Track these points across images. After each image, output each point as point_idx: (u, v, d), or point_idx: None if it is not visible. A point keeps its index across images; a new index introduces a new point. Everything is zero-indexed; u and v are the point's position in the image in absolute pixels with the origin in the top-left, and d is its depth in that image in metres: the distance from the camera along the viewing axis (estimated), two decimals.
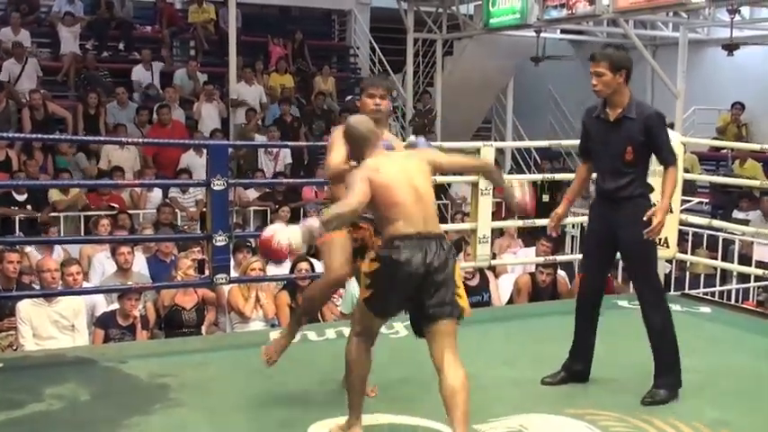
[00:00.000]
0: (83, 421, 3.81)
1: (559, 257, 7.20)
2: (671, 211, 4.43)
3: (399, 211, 3.36)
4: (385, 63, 14.18)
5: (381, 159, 3.48)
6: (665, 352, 4.18)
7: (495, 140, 13.37)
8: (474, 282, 6.87)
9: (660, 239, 6.20)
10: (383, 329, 5.29)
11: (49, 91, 11.43)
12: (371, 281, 3.42)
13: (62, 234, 8.43)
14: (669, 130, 6.21)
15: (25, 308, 5.69)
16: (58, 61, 12.28)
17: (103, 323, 5.97)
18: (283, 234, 3.27)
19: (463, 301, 3.41)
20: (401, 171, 3.42)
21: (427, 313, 3.36)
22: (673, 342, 4.18)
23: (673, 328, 4.20)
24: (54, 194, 9.13)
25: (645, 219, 4.02)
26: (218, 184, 5.21)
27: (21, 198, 9.03)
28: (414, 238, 3.33)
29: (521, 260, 7.88)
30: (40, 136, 9.71)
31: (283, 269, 6.96)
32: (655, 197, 4.17)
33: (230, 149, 10.38)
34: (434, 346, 3.37)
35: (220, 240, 5.19)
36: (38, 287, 6.18)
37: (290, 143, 11.02)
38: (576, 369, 4.39)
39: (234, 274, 6.19)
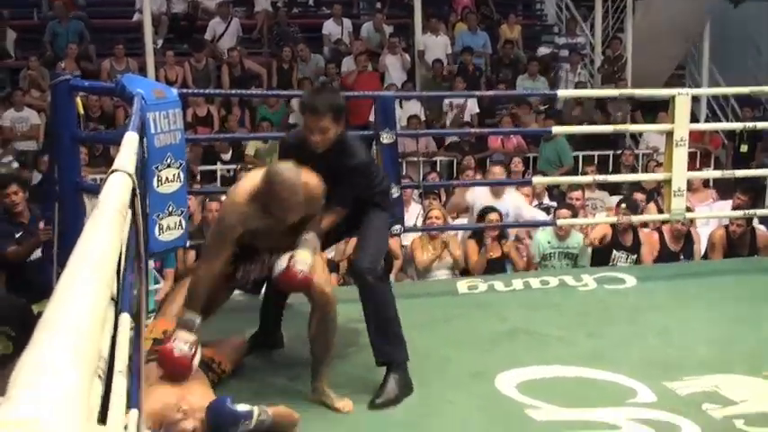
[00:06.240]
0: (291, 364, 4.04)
1: (759, 211, 6.79)
2: None
3: None
4: (572, 8, 13.75)
5: None
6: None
7: (690, 88, 12.74)
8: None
9: None
10: (571, 282, 5.30)
11: (245, 48, 11.93)
12: None
13: None
14: None
15: None
16: (251, 19, 12.77)
17: None
18: (301, 262, 3.40)
19: None
20: None
21: None
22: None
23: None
24: (249, 149, 9.59)
25: None
26: (386, 138, 5.14)
27: (226, 157, 9.64)
28: None
29: (716, 214, 7.52)
30: (237, 92, 10.12)
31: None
32: None
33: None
34: None
35: (393, 193, 5.11)
36: None
37: (476, 93, 10.91)
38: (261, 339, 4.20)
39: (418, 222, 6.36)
